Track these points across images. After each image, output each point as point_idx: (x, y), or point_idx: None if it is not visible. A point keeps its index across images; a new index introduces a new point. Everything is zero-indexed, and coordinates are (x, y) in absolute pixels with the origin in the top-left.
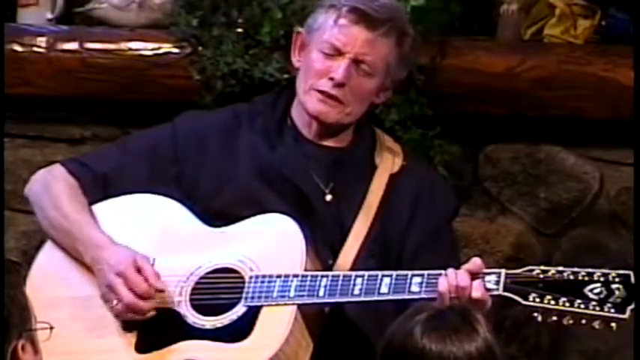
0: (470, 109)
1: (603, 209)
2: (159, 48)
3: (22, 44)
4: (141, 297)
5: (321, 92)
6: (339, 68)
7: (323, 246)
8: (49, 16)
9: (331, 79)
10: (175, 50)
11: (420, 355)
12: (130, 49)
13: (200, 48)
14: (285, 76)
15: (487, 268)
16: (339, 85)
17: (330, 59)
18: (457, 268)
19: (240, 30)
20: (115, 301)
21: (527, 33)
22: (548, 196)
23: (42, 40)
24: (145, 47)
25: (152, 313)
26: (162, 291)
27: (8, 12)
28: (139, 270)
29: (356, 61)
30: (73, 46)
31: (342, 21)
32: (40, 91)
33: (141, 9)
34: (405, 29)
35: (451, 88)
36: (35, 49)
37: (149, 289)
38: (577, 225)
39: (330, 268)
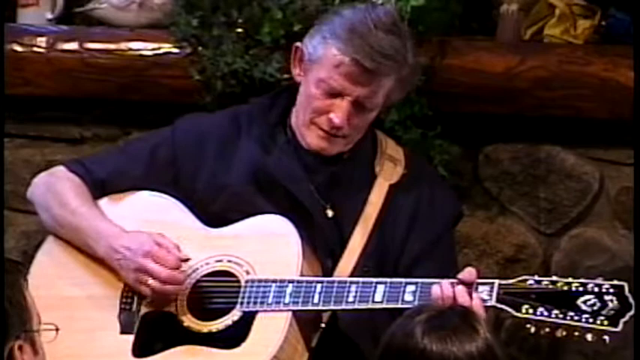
0: (470, 109)
1: (603, 209)
2: (159, 48)
3: (22, 44)
4: (174, 269)
5: (322, 129)
6: (339, 111)
7: (322, 251)
8: (49, 16)
9: (330, 119)
10: (175, 50)
11: (421, 355)
12: (130, 49)
13: (200, 48)
14: (285, 75)
15: (487, 268)
16: (339, 127)
17: (330, 98)
18: (454, 277)
19: (240, 30)
20: (150, 280)
21: (527, 33)
22: (548, 196)
23: (42, 40)
24: (145, 47)
25: (186, 286)
26: (187, 259)
27: (8, 12)
28: (160, 246)
29: (356, 102)
30: (73, 46)
31: (342, 69)
32: (40, 91)
33: (141, 9)
34: (405, 60)
35: (451, 88)
36: (35, 49)
37: (177, 260)
38: (577, 225)
39: (330, 273)
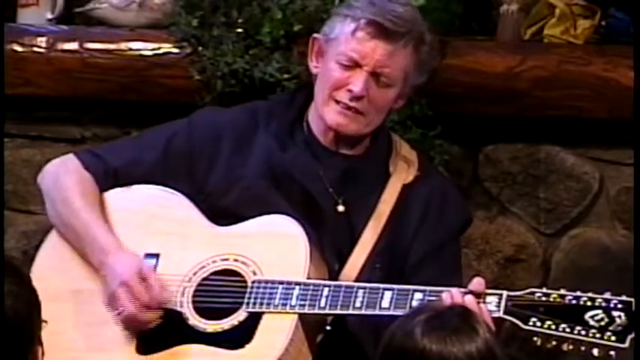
0: (470, 109)
1: (603, 209)
2: (159, 48)
3: (22, 44)
4: (143, 308)
5: (340, 104)
6: (358, 81)
7: (330, 251)
8: (49, 16)
9: (350, 91)
10: (175, 50)
11: (421, 355)
12: (130, 49)
13: (200, 48)
14: (286, 75)
15: (487, 268)
16: (358, 97)
17: (348, 70)
18: (459, 285)
19: (240, 30)
20: (117, 310)
21: (527, 33)
22: (548, 196)
23: (42, 40)
24: (145, 47)
25: (155, 323)
26: (165, 303)
27: (8, 12)
28: (143, 279)
29: (374, 74)
30: (73, 46)
31: (359, 34)
32: (40, 91)
33: (141, 9)
34: (422, 36)
35: (451, 88)
36: (35, 49)
37: (151, 301)
38: (577, 225)
39: (336, 274)
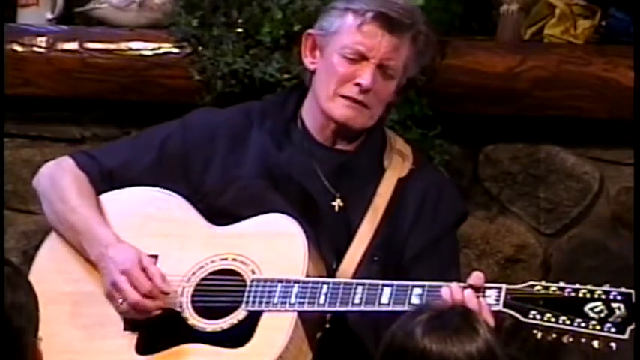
0: (470, 109)
1: (603, 209)
2: (159, 48)
3: (22, 44)
4: (145, 296)
5: (348, 98)
6: (366, 74)
7: (328, 249)
8: (49, 16)
9: (358, 84)
10: (175, 50)
11: (421, 355)
12: (130, 49)
13: (200, 48)
14: (286, 76)
15: (487, 268)
16: (366, 90)
17: (354, 64)
18: (456, 279)
19: (240, 30)
20: (119, 300)
21: (527, 33)
22: (548, 196)
23: (42, 40)
24: (145, 47)
25: (157, 312)
26: (167, 293)
27: (8, 12)
28: (144, 269)
29: (380, 66)
30: (73, 46)
31: (366, 27)
32: (40, 91)
33: (141, 9)
34: (420, 27)
35: (451, 88)
36: (35, 49)
37: (153, 288)
38: (577, 225)
39: (334, 272)
